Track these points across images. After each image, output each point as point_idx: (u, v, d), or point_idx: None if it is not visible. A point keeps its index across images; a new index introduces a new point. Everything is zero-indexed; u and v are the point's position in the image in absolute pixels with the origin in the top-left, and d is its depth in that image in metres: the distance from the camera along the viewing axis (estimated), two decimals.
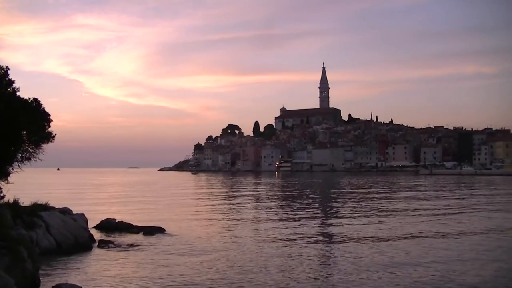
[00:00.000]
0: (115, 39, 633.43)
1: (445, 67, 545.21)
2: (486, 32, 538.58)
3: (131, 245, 28.17)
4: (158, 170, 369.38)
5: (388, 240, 29.80)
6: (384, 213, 45.24)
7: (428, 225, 36.11)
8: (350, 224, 37.54)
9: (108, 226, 34.40)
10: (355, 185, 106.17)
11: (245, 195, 77.96)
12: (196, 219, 42.11)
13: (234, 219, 41.53)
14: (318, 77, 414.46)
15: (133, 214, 44.72)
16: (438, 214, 43.70)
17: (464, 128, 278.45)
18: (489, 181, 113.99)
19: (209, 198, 70.29)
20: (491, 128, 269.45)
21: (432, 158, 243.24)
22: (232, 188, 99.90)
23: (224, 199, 68.21)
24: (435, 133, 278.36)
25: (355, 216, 42.75)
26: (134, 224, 34.97)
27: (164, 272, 21.56)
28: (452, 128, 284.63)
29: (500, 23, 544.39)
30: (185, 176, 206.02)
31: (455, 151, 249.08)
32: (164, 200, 65.72)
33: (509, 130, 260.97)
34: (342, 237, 31.10)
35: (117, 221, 35.25)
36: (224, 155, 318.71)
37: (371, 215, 43.50)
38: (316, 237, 31.52)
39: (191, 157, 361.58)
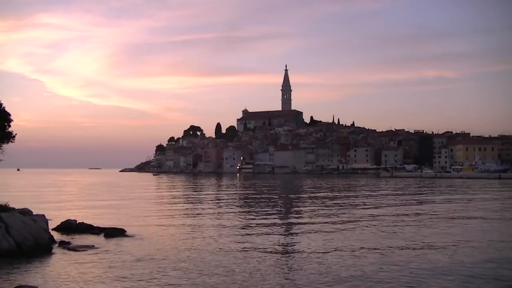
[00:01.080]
0: (78, 39, 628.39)
1: (406, 71, 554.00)
2: (447, 37, 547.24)
3: (92, 246, 27.89)
4: (120, 171, 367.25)
5: (348, 246, 29.87)
6: (344, 217, 45.66)
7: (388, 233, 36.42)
8: (310, 226, 37.68)
9: (69, 227, 33.97)
10: (316, 187, 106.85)
11: (206, 197, 77.75)
12: (158, 220, 41.92)
13: (196, 221, 41.44)
14: (280, 80, 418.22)
15: (94, 216, 44.29)
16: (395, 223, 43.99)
17: (424, 132, 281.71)
18: (449, 185, 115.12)
19: (170, 200, 69.95)
20: (451, 132, 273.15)
21: (393, 161, 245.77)
22: (193, 190, 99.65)
23: (186, 201, 67.99)
24: (396, 136, 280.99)
25: (315, 220, 43.05)
26: (95, 225, 34.64)
27: (124, 273, 21.47)
28: (413, 132, 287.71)
29: (460, 28, 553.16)
30: (147, 177, 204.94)
31: (416, 154, 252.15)
32: (125, 202, 65.17)
33: (469, 134, 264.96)
34: (300, 234, 31.13)
35: (77, 222, 34.80)
36: (186, 156, 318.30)
37: (331, 219, 43.85)
38: (277, 239, 31.37)
39: (153, 158, 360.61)
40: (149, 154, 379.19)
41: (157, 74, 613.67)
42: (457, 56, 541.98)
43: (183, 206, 58.23)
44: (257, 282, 20.11)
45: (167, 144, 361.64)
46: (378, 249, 27.29)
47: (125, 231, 33.23)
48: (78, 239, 30.50)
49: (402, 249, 27.33)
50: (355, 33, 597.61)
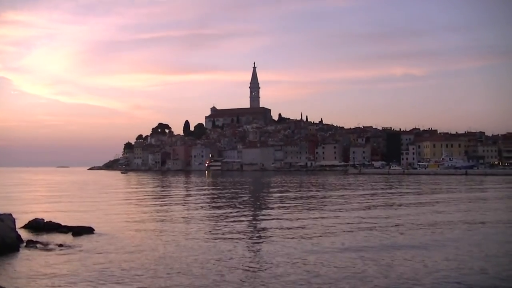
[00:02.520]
0: (46, 36, 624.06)
1: (374, 69, 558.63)
2: (414, 35, 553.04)
3: (60, 245, 27.63)
4: (88, 169, 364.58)
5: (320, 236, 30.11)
6: (312, 214, 45.80)
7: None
8: (278, 222, 37.74)
9: (36, 226, 33.65)
10: (284, 185, 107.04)
11: (175, 194, 77.51)
12: (126, 218, 41.71)
13: (164, 219, 41.33)
14: (248, 77, 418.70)
15: (61, 214, 43.81)
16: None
17: (392, 129, 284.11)
18: (416, 181, 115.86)
19: (138, 198, 69.50)
20: (419, 129, 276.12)
21: (361, 157, 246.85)
22: (162, 188, 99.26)
23: (154, 199, 67.81)
24: (364, 133, 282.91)
25: (283, 217, 43.12)
26: (62, 224, 34.26)
27: (93, 272, 21.34)
28: (380, 129, 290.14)
29: (427, 26, 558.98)
30: (115, 176, 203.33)
31: (384, 151, 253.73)
32: (93, 200, 64.52)
33: (436, 131, 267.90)
34: (270, 235, 31.27)
35: (45, 221, 34.43)
36: (154, 154, 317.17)
37: (300, 215, 43.97)
38: (244, 235, 31.56)
39: (121, 156, 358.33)
40: (118, 152, 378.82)
41: (126, 72, 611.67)
42: (424, 54, 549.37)
43: (151, 204, 58.01)
44: (227, 279, 20.21)
45: (135, 142, 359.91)
46: (346, 244, 27.54)
47: (93, 230, 32.99)
48: (46, 238, 30.15)
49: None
50: (323, 31, 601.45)
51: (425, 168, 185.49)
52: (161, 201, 62.97)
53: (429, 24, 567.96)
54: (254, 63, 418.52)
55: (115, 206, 55.08)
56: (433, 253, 25.00)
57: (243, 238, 30.50)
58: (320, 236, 30.87)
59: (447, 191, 77.06)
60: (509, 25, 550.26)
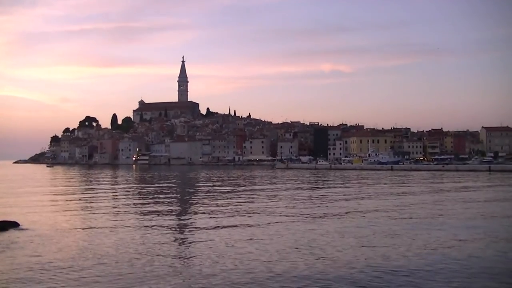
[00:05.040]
0: None
1: (303, 64, 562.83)
2: (342, 32, 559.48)
3: None
4: (14, 163, 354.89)
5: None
6: (241, 208, 45.96)
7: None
8: (205, 217, 37.95)
9: None
10: (211, 179, 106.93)
11: (101, 188, 76.50)
12: (52, 212, 41.00)
13: (91, 212, 40.95)
14: (177, 71, 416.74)
15: None
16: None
17: (320, 124, 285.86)
18: (343, 176, 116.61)
19: (65, 191, 68.28)
20: (346, 124, 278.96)
21: (288, 152, 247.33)
22: (88, 182, 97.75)
23: (80, 193, 66.49)
24: (291, 128, 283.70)
25: (210, 211, 43.16)
26: None
27: (20, 266, 21.14)
28: (308, 124, 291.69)
29: (355, 23, 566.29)
30: (41, 169, 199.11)
31: (311, 146, 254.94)
32: (18, 194, 63.19)
33: (363, 126, 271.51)
34: (196, 228, 31.55)
35: None
36: (81, 147, 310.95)
37: (227, 210, 44.05)
38: (171, 229, 31.77)
39: (48, 149, 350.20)
40: (44, 145, 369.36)
41: (53, 64, 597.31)
42: (352, 51, 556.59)
43: (77, 198, 57.30)
44: (154, 273, 20.31)
45: (62, 135, 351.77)
46: (266, 238, 27.89)
47: (18, 224, 32.46)
48: None
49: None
50: (252, 26, 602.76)
51: (351, 163, 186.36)
52: (88, 195, 61.96)
53: (357, 21, 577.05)
54: (183, 57, 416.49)
55: (40, 199, 54.02)
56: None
57: (169, 231, 30.72)
58: (245, 227, 31.40)
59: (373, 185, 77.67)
60: (434, 24, 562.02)
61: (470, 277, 19.64)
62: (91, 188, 75.99)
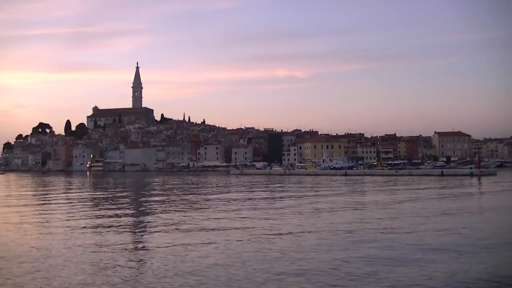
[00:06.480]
0: None
1: (257, 70, 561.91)
2: (297, 37, 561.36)
3: None
4: None
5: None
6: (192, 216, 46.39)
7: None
8: (157, 224, 37.97)
9: None
10: (165, 185, 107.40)
11: (54, 195, 75.09)
12: (2, 220, 40.52)
13: (42, 222, 39.95)
14: (131, 76, 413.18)
15: None
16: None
17: (274, 130, 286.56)
18: (298, 183, 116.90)
19: (16, 200, 66.83)
20: (300, 130, 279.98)
21: (243, 158, 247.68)
22: (42, 189, 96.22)
23: (32, 201, 65.48)
24: (246, 134, 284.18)
25: (163, 218, 43.50)
26: None
27: None
28: (262, 130, 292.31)
29: (309, 29, 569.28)
30: None
31: (266, 152, 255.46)
32: None
33: (317, 132, 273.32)
34: (150, 228, 31.86)
35: None
36: (34, 154, 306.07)
37: (177, 216, 44.37)
38: (123, 246, 31.68)
39: (0, 156, 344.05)
40: None
41: (6, 69, 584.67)
42: (306, 56, 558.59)
43: (29, 205, 56.28)
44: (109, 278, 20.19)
45: (15, 141, 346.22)
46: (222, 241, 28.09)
47: None
48: None
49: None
50: (206, 31, 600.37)
51: (306, 169, 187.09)
52: (40, 203, 60.81)
53: (311, 27, 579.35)
54: (137, 63, 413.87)
55: None
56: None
57: (120, 248, 30.48)
58: (196, 232, 31.44)
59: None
60: (388, 30, 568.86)
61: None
62: (45, 197, 74.87)
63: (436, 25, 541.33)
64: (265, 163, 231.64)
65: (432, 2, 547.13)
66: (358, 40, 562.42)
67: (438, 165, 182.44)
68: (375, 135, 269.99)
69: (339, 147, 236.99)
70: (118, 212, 46.52)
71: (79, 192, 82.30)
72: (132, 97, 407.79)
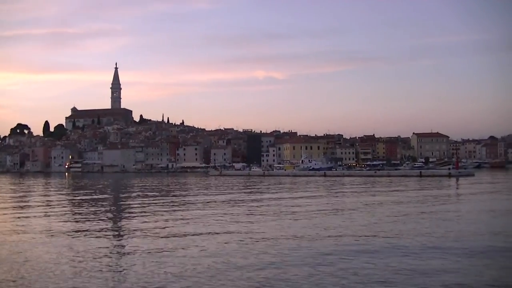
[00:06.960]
0: None
1: (236, 71, 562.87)
2: (276, 38, 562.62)
3: None
4: None
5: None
6: (173, 217, 46.09)
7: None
8: (137, 223, 37.54)
9: None
10: (145, 186, 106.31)
11: (33, 198, 74.68)
12: None
13: (21, 223, 40.13)
14: (110, 77, 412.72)
15: None
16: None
17: (253, 131, 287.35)
18: (277, 184, 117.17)
19: None
20: (279, 131, 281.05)
21: (222, 159, 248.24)
22: (19, 191, 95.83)
23: (11, 202, 65.16)
24: (225, 135, 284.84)
25: (143, 221, 42.93)
26: None
27: None
28: (241, 131, 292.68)
29: (289, 30, 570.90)
30: None
31: (245, 153, 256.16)
32: None
33: (296, 133, 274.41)
34: (129, 235, 31.40)
35: None
36: (12, 155, 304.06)
37: (157, 219, 43.94)
38: (103, 236, 31.22)
39: None
40: None
41: None
42: (285, 58, 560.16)
43: (8, 207, 56.10)
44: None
45: None
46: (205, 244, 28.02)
47: None
48: None
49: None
50: (186, 32, 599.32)
51: (285, 170, 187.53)
52: (17, 205, 60.32)
53: (290, 28, 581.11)
54: (116, 64, 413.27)
55: None
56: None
57: (102, 237, 30.20)
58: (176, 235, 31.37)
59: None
60: (367, 32, 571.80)
61: None
62: (22, 198, 74.17)
63: (416, 27, 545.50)
64: (244, 164, 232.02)
65: (412, 4, 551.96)
66: (337, 42, 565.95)
67: (416, 166, 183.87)
68: (354, 136, 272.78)
69: (318, 148, 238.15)
70: (96, 216, 46.26)
71: (58, 195, 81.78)
72: (111, 98, 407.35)
